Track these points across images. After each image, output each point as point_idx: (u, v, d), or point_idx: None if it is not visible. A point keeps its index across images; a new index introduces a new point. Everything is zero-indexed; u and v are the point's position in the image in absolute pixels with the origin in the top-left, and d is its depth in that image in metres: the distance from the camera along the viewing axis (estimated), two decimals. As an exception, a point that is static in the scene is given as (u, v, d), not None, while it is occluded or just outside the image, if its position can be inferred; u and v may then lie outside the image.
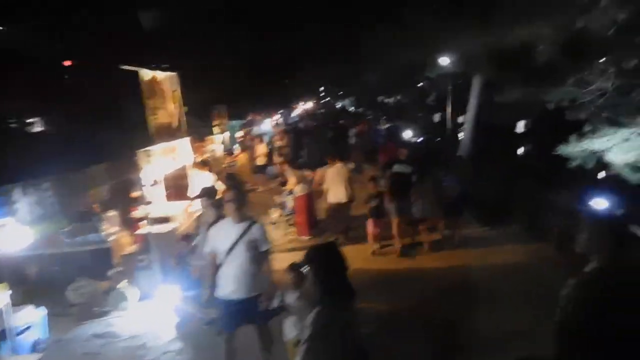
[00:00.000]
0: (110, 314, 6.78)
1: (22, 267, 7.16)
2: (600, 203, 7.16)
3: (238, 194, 4.60)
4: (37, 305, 6.09)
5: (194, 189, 8.82)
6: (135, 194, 7.72)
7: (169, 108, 8.74)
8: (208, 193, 6.08)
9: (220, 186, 9.23)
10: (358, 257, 8.75)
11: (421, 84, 26.06)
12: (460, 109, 18.15)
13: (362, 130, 21.98)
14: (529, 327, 5.43)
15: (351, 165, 10.44)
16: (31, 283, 7.53)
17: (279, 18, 35.51)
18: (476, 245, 9.03)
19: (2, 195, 4.34)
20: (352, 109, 48.56)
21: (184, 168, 9.29)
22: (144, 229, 7.44)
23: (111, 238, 7.49)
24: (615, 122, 7.81)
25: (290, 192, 10.36)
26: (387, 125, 23.23)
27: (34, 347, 5.82)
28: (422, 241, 8.85)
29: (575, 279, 2.67)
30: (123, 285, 6.86)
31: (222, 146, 15.87)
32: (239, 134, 16.58)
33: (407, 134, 20.15)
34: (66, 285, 7.09)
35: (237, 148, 15.73)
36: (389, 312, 6.54)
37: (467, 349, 5.46)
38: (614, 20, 7.10)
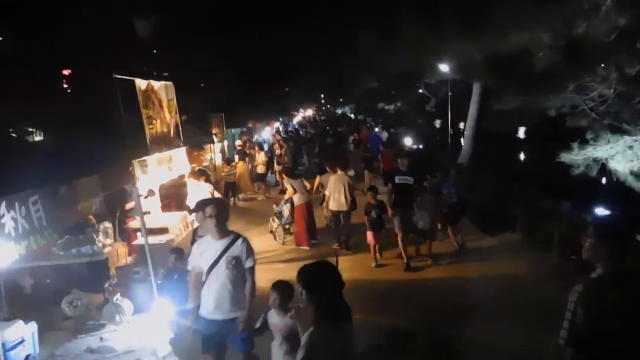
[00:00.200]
0: (105, 327, 6.64)
1: (14, 279, 7.02)
2: (604, 209, 7.05)
3: (218, 209, 4.34)
4: (31, 318, 5.96)
5: (191, 199, 8.70)
6: (129, 205, 7.59)
7: (164, 117, 8.64)
8: (204, 206, 5.90)
9: (218, 196, 9.13)
10: (359, 267, 8.64)
11: (421, 90, 25.99)
12: (460, 116, 18.06)
13: (361, 137, 21.90)
14: (531, 339, 5.31)
15: (351, 173, 10.31)
16: (24, 296, 7.44)
17: (279, 25, 35.62)
18: (478, 255, 8.92)
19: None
20: (352, 115, 48.53)
21: (180, 178, 9.16)
22: (139, 240, 7.31)
23: (106, 250, 7.37)
24: (618, 129, 7.71)
25: (287, 201, 10.25)
26: (386, 132, 23.13)
27: (26, 363, 5.67)
28: (426, 254, 8.71)
29: (582, 284, 2.69)
30: (117, 298, 6.71)
31: (221, 155, 15.72)
32: (238, 142, 16.46)
33: (407, 141, 20.08)
34: (60, 298, 6.97)
35: (236, 156, 15.59)
36: (390, 326, 6.40)
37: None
38: (615, 26, 7.01)
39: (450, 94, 17.88)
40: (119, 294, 6.79)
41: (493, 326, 6.05)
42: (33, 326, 5.86)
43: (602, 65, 7.62)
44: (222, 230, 4.33)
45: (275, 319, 4.12)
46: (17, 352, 5.55)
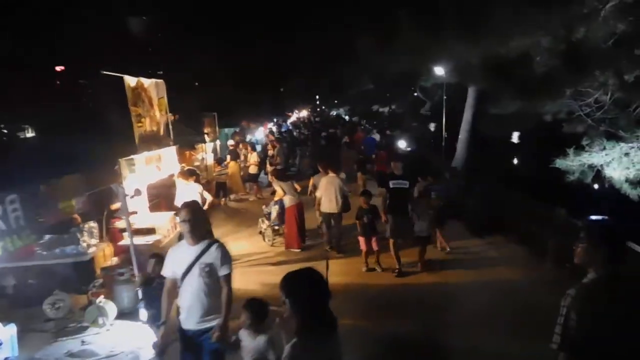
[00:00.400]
0: (87, 330, 6.46)
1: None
2: (597, 215, 6.94)
3: (192, 213, 4.05)
4: (11, 319, 5.78)
5: (180, 199, 8.53)
6: (115, 205, 7.42)
7: (154, 115, 8.46)
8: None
9: (207, 197, 8.96)
10: (350, 271, 8.49)
11: (416, 94, 25.92)
12: (455, 120, 17.99)
13: (355, 139, 21.81)
14: (525, 345, 5.21)
15: (342, 175, 10.19)
16: (6, 297, 7.25)
17: (275, 26, 35.54)
18: (471, 260, 8.81)
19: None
20: (346, 117, 48.45)
21: (170, 177, 8.99)
22: (125, 240, 7.13)
23: (91, 250, 7.20)
24: (614, 136, 7.62)
25: (277, 203, 10.11)
26: (379, 135, 23.04)
27: (4, 366, 5.49)
28: (417, 260, 8.45)
29: (575, 289, 2.69)
30: (100, 300, 6.53)
31: (213, 154, 15.55)
32: (231, 142, 16.29)
33: (402, 144, 19.99)
34: (43, 299, 6.78)
35: (228, 156, 15.42)
36: (382, 332, 6.27)
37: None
38: (614, 32, 6.92)
39: (445, 97, 17.81)
40: (102, 296, 6.61)
41: (486, 333, 5.95)
42: (12, 328, 5.68)
43: (601, 71, 7.51)
44: (197, 236, 4.05)
45: (246, 339, 3.90)
46: (-6, 355, 5.39)
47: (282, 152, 16.85)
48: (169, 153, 8.85)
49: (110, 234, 8.12)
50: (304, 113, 58.39)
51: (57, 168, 7.43)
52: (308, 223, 10.26)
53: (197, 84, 20.78)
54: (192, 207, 4.13)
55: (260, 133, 26.27)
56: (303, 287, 2.65)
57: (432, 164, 16.89)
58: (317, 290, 2.65)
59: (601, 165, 7.85)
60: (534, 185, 12.04)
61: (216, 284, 3.99)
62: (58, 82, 18.98)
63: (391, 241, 8.28)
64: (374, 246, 8.44)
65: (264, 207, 10.90)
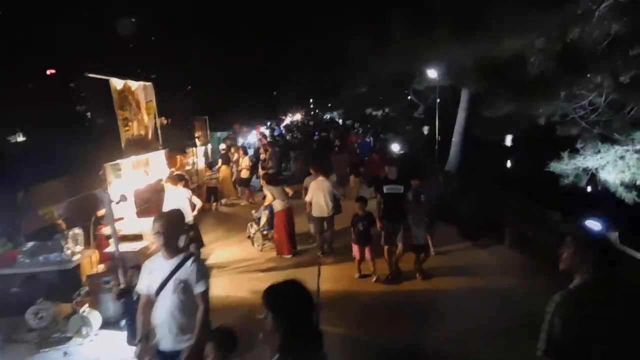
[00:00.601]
0: (71, 341, 6.27)
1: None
2: (594, 220, 6.85)
3: (167, 224, 3.77)
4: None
5: (168, 205, 8.35)
6: (102, 211, 7.23)
7: (142, 119, 8.29)
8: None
9: (197, 202, 8.80)
10: (342, 277, 8.33)
11: (410, 97, 25.85)
12: (448, 123, 17.90)
13: (349, 142, 21.71)
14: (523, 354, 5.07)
15: (333, 178, 10.10)
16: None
17: (269, 29, 35.45)
18: (464, 266, 8.65)
19: None
20: (340, 120, 48.35)
21: (159, 182, 8.81)
22: (112, 247, 6.95)
23: (75, 257, 7.00)
24: (609, 139, 7.51)
25: (267, 208, 9.97)
26: (372, 138, 22.96)
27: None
28: (417, 270, 8.12)
29: (560, 295, 2.68)
30: (84, 309, 6.34)
31: (204, 158, 15.37)
32: (222, 145, 16.11)
33: (395, 147, 19.88)
34: (26, 308, 6.58)
35: (219, 160, 15.23)
36: (374, 341, 6.12)
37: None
38: (608, 33, 6.83)
39: (438, 100, 17.73)
40: (86, 305, 6.42)
41: (481, 340, 5.82)
42: (-9, 340, 5.49)
43: (595, 72, 7.41)
44: (172, 249, 3.77)
45: None
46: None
47: (274, 156, 16.66)
48: (158, 157, 8.68)
49: (97, 241, 7.93)
50: (298, 116, 58.29)
51: (42, 173, 7.24)
52: (299, 227, 10.13)
53: (189, 87, 20.63)
54: (167, 219, 3.87)
55: (253, 136, 26.10)
56: (286, 300, 2.49)
57: (423, 167, 16.80)
58: (301, 303, 2.49)
59: (596, 169, 7.73)
60: (528, 188, 11.96)
61: (192, 302, 3.72)
62: (49, 86, 18.75)
63: (385, 248, 8.05)
64: (368, 256, 8.08)
65: (253, 211, 10.74)
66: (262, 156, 17.42)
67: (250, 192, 15.09)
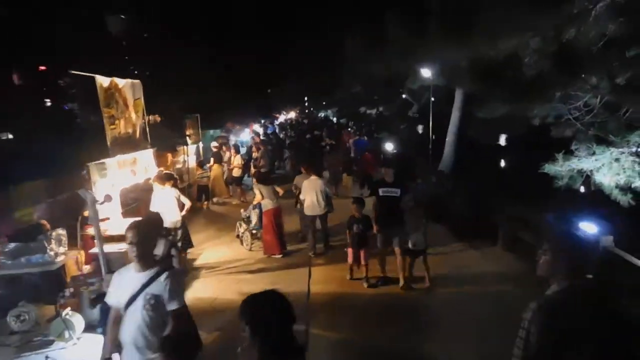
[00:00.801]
0: (53, 344, 6.10)
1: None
2: (590, 223, 6.73)
3: (141, 234, 3.45)
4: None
5: (155, 204, 8.19)
6: (87, 211, 7.05)
7: (129, 117, 8.11)
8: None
9: (185, 202, 8.63)
10: (334, 279, 8.20)
11: (404, 96, 25.74)
12: (443, 122, 17.80)
13: (341, 140, 21.61)
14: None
15: (326, 175, 10.06)
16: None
17: (264, 28, 35.29)
18: (456, 268, 8.52)
19: None
20: (334, 119, 48.26)
21: (147, 181, 8.63)
22: (95, 248, 6.77)
23: (59, 259, 6.83)
24: (604, 141, 7.40)
25: (256, 207, 9.84)
26: (366, 137, 22.86)
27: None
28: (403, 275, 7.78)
29: (537, 302, 2.60)
30: (67, 312, 6.17)
31: (195, 157, 15.18)
32: (214, 143, 15.93)
33: (388, 146, 19.78)
34: (7, 310, 6.41)
35: (211, 159, 15.06)
36: (366, 345, 6.00)
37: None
38: (604, 33, 6.71)
39: (432, 99, 17.61)
40: (69, 308, 6.25)
41: (475, 344, 5.70)
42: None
43: (591, 73, 7.30)
44: (146, 261, 3.48)
45: None
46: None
47: (266, 155, 16.51)
48: (146, 156, 8.50)
49: (84, 241, 7.76)
50: (292, 114, 58.15)
51: (25, 173, 7.06)
52: (288, 227, 10.06)
53: (181, 85, 20.42)
54: (142, 227, 3.55)
55: (246, 135, 25.90)
56: (264, 312, 2.35)
57: (413, 166, 16.72)
58: (281, 316, 2.35)
59: (590, 171, 7.62)
60: (522, 188, 11.87)
61: (162, 319, 3.43)
62: (38, 83, 18.50)
63: (381, 253, 7.85)
64: (362, 260, 7.87)
65: (242, 210, 10.61)
66: (255, 155, 17.26)
67: (242, 191, 14.94)
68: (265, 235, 9.42)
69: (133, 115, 8.28)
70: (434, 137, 17.29)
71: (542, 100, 8.20)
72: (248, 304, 2.36)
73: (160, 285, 3.42)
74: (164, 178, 8.37)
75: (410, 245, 7.57)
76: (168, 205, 8.14)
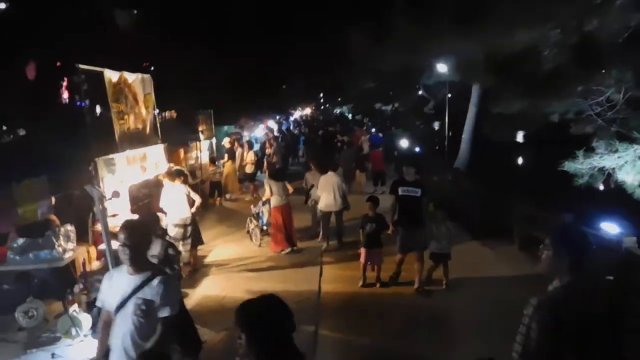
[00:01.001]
0: (60, 341, 6.04)
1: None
2: (610, 223, 6.48)
3: (134, 236, 3.29)
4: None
5: (165, 201, 8.11)
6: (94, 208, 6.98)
7: (139, 112, 8.02)
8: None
9: (196, 198, 8.53)
10: (345, 278, 8.02)
11: (420, 92, 25.44)
12: (459, 119, 17.51)
13: (355, 137, 21.42)
14: None
15: (340, 172, 10.01)
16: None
17: (278, 24, 35.16)
18: (470, 269, 8.26)
19: None
20: (349, 115, 48.04)
21: (156, 177, 8.55)
22: (104, 244, 6.70)
23: (67, 255, 6.77)
24: (627, 138, 7.10)
25: (266, 203, 9.74)
26: (380, 133, 22.67)
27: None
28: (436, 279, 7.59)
29: (537, 298, 2.59)
30: (74, 309, 6.11)
31: (208, 153, 15.12)
32: (227, 139, 15.86)
33: (403, 143, 19.56)
34: (15, 306, 6.37)
35: (225, 155, 15.00)
36: (377, 349, 5.82)
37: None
38: (628, 25, 6.42)
39: (449, 95, 17.33)
40: (76, 305, 6.19)
41: (494, 346, 5.48)
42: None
43: (614, 67, 7.00)
44: (138, 264, 3.32)
45: None
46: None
47: (279, 151, 16.41)
48: (156, 152, 8.41)
49: (94, 237, 7.72)
50: (308, 111, 58.05)
51: (33, 169, 7.01)
52: (300, 223, 10.00)
53: (195, 81, 20.41)
54: (134, 229, 3.37)
55: (260, 131, 25.84)
56: (261, 319, 2.19)
57: (432, 164, 16.46)
58: (278, 323, 2.20)
59: (612, 169, 7.33)
60: (540, 187, 11.60)
61: (153, 325, 3.26)
62: (51, 78, 18.56)
63: (398, 256, 7.48)
64: (376, 260, 7.61)
65: (252, 206, 10.53)
66: (268, 151, 17.17)
67: (254, 187, 14.85)
68: (272, 231, 9.39)
69: (143, 111, 8.19)
70: (450, 134, 17.03)
71: (562, 96, 7.90)
72: (244, 312, 2.22)
73: (153, 290, 3.27)
74: (173, 174, 8.28)
75: (435, 249, 7.30)
76: (178, 201, 8.06)
